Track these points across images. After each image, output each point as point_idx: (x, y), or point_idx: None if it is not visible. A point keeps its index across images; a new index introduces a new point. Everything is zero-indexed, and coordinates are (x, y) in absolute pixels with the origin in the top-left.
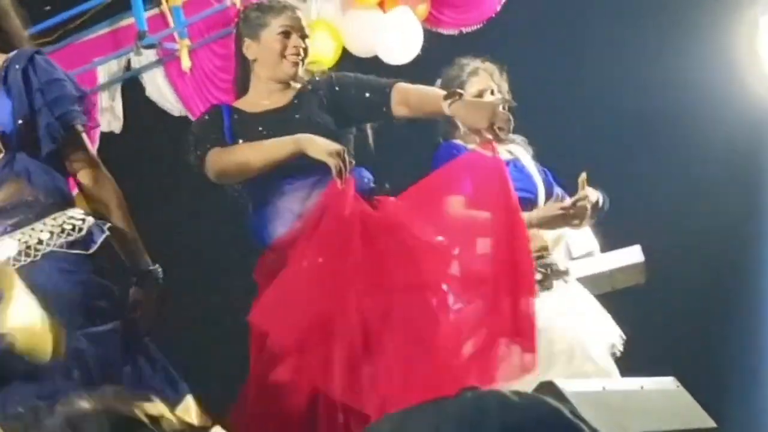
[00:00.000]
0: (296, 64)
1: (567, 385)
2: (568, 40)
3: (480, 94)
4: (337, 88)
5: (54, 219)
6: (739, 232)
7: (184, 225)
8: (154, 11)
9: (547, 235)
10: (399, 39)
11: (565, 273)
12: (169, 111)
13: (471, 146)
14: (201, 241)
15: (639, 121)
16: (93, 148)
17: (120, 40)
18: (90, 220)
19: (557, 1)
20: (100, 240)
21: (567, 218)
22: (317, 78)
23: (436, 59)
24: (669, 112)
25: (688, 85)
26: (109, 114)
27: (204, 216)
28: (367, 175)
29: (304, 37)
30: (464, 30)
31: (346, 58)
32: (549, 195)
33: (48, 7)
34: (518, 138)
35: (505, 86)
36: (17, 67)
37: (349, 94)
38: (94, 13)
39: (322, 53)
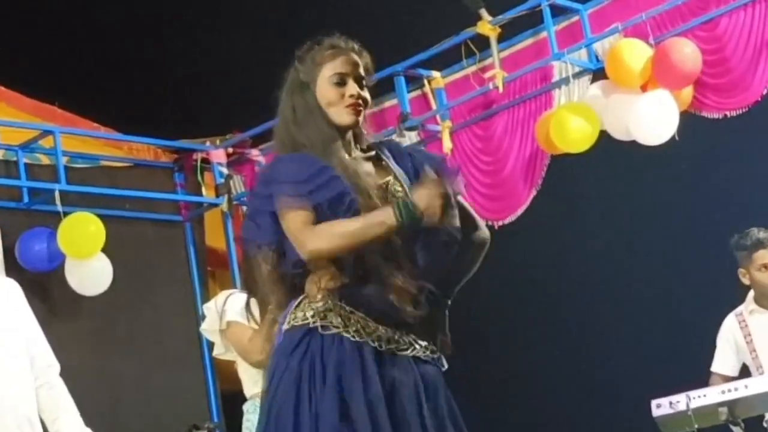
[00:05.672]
0: None
1: None
2: None
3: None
4: None
5: None
6: None
7: None
8: (417, 93)
9: None
10: (654, 120)
11: None
12: None
13: None
14: None
15: None
16: None
17: (383, 121)
18: None
19: None
20: None
21: None
22: None
23: (696, 142)
24: None
25: None
26: None
27: None
28: None
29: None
30: (728, 114)
31: (604, 140)
32: None
33: None
34: None
35: None
36: None
37: None
38: None
39: (579, 136)
